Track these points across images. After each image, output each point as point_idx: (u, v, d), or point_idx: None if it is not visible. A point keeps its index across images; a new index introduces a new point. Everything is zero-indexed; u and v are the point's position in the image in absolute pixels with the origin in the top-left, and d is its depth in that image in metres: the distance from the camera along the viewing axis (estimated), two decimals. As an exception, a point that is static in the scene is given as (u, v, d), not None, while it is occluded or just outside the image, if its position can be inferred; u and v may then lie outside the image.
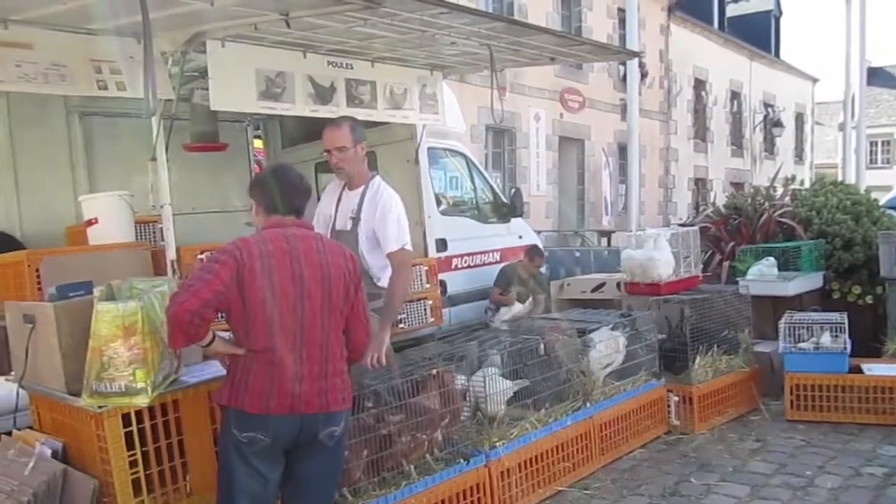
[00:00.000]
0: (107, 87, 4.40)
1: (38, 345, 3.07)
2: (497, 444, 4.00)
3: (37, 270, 4.43)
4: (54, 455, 3.06)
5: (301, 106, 5.08)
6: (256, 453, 2.63)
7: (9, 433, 3.34)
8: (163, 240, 4.66)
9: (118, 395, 2.74)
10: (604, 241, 14.36)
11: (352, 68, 5.36)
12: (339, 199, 4.06)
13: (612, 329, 5.03)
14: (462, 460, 3.78)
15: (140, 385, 2.73)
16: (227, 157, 6.92)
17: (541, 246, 8.48)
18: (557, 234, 15.14)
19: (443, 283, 6.50)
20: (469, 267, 7.30)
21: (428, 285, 5.97)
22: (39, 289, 4.36)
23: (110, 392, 2.74)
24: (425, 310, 5.93)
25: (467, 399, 4.03)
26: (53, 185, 6.07)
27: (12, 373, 3.51)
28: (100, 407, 2.81)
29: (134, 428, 2.93)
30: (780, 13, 26.80)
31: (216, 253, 2.71)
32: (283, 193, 2.85)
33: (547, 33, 5.52)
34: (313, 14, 4.13)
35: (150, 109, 3.86)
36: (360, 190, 3.96)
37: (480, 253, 7.48)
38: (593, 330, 4.92)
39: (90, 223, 5.06)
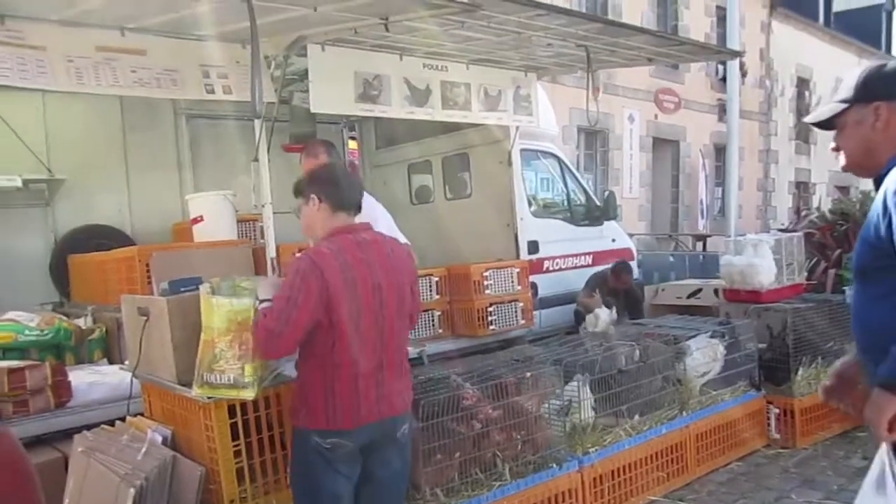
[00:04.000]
0: (214, 90, 4.58)
1: (152, 337, 3.22)
2: (590, 450, 3.96)
3: (146, 265, 4.66)
4: (164, 442, 3.21)
5: (397, 108, 5.16)
6: (340, 457, 2.67)
7: (122, 419, 3.54)
8: (263, 237, 4.81)
9: (227, 386, 2.85)
10: (699, 245, 13.93)
11: (447, 70, 5.40)
12: None
13: (711, 337, 4.88)
14: (555, 465, 3.75)
15: (248, 379, 2.82)
16: (324, 158, 7.08)
17: (633, 251, 8.29)
18: (651, 238, 14.79)
19: (534, 286, 6.45)
20: (561, 270, 7.22)
21: (519, 287, 5.94)
22: (149, 282, 4.59)
23: (220, 384, 2.85)
24: (516, 312, 5.91)
25: (562, 404, 3.99)
26: (161, 184, 6.38)
27: (125, 362, 3.70)
28: (208, 398, 2.93)
29: (238, 419, 3.03)
30: (893, 6, 25.33)
31: (294, 277, 2.59)
32: (347, 188, 2.84)
33: (645, 33, 5.42)
34: (413, 18, 4.19)
35: (257, 112, 3.99)
36: None
37: (572, 256, 7.39)
38: (691, 337, 4.79)
39: (196, 221, 5.29)
